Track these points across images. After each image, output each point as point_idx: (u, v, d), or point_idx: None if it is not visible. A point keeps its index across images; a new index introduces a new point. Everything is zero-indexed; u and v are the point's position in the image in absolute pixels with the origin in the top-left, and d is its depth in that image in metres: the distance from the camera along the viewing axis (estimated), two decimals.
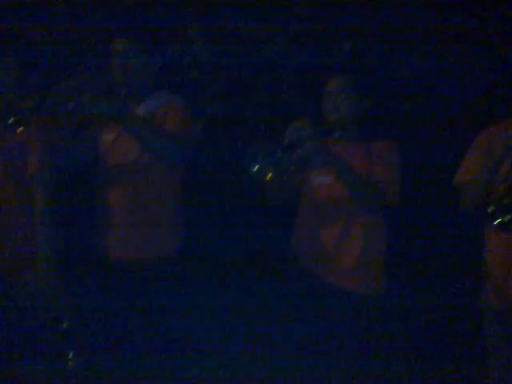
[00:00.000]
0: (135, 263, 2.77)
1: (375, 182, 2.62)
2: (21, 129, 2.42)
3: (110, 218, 2.80)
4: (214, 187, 3.53)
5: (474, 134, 2.62)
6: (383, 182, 2.63)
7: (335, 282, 2.68)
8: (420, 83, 3.58)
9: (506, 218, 2.27)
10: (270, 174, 2.52)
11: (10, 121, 2.40)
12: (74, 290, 2.88)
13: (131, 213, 2.76)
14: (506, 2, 3.48)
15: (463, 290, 3.22)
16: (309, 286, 2.72)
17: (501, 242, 2.45)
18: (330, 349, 2.65)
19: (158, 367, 2.76)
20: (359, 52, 3.58)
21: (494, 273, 2.50)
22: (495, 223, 2.29)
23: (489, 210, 2.30)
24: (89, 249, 2.91)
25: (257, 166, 2.51)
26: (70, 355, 2.68)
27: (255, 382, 3.22)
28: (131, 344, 2.75)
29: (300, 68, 3.60)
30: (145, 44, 2.77)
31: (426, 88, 3.59)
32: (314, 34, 3.59)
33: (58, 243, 2.77)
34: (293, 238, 2.81)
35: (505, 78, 3.48)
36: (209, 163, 3.56)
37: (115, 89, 2.70)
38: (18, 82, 2.75)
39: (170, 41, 3.37)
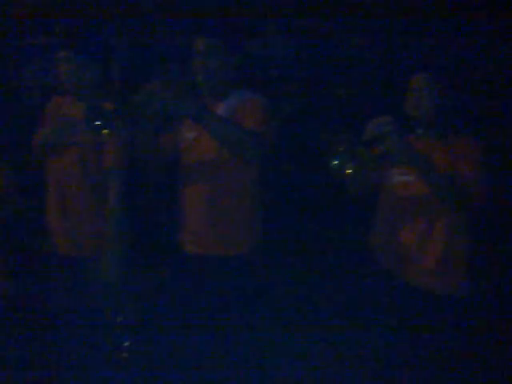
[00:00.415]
0: (213, 259, 2.79)
1: (459, 180, 2.56)
2: (106, 131, 2.49)
3: (188, 214, 2.84)
4: (292, 183, 3.54)
5: None
6: (467, 181, 2.56)
7: (415, 281, 2.63)
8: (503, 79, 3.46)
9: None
10: (349, 169, 2.50)
11: (97, 123, 2.47)
12: (147, 284, 2.97)
13: (210, 209, 2.79)
14: None
15: None
16: (386, 284, 2.68)
17: None
18: (410, 349, 2.61)
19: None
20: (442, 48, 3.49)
21: None
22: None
23: None
24: (166, 244, 2.96)
25: (336, 161, 2.50)
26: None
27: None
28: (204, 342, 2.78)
29: (382, 64, 3.56)
30: (225, 42, 2.79)
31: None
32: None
33: (133, 237, 2.86)
34: (371, 235, 2.77)
35: None
36: (288, 159, 3.57)
37: (196, 88, 2.73)
38: (104, 84, 2.86)
39: (250, 38, 3.38)
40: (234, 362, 2.78)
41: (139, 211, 2.95)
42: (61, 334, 2.90)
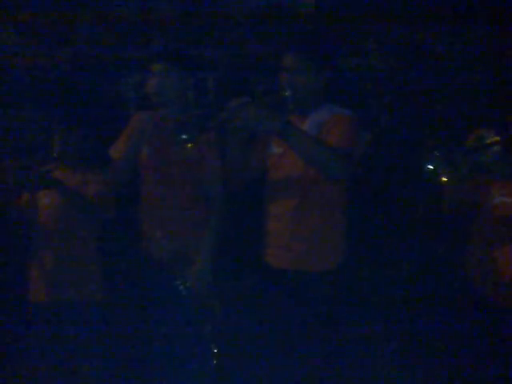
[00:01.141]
0: (298, 275, 2.78)
1: None
2: (190, 145, 2.55)
3: (274, 229, 2.85)
4: (384, 198, 3.47)
5: None
6: None
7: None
8: None
9: None
10: (445, 177, 2.42)
11: (183, 137, 2.54)
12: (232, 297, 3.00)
13: (296, 225, 2.78)
14: None
15: None
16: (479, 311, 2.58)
17: None
18: None
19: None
20: None
21: None
22: None
23: None
24: (252, 257, 2.99)
25: (432, 167, 2.43)
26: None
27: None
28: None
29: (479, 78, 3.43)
30: (314, 59, 2.77)
31: None
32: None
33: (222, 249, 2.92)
34: (466, 256, 2.66)
35: None
36: (379, 173, 3.50)
37: (283, 104, 2.73)
38: (191, 100, 2.93)
39: (338, 55, 3.34)
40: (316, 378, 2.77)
41: (227, 224, 3.00)
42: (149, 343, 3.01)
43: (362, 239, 3.24)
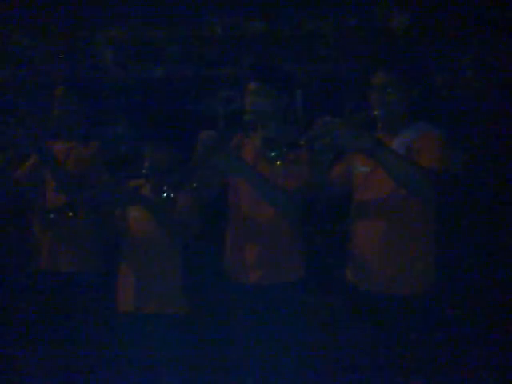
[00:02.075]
0: (386, 298, 2.72)
1: None
2: (279, 163, 2.54)
3: (360, 250, 2.79)
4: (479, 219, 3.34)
5: None
6: None
7: None
8: None
9: None
10: None
11: (272, 154, 2.54)
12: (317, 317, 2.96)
13: (384, 246, 2.72)
14: None
15: None
16: None
17: None
18: None
19: None
20: None
21: None
22: None
23: None
24: (335, 279, 2.94)
25: None
26: None
27: None
28: None
29: None
30: (404, 77, 2.71)
31: None
32: None
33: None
34: None
35: None
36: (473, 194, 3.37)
37: (372, 122, 2.69)
38: (282, 118, 2.93)
39: (430, 72, 3.26)
40: None
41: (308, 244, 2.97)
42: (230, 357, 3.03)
43: (455, 262, 3.12)
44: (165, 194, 2.70)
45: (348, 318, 2.85)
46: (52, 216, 3.14)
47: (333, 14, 3.51)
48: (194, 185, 2.75)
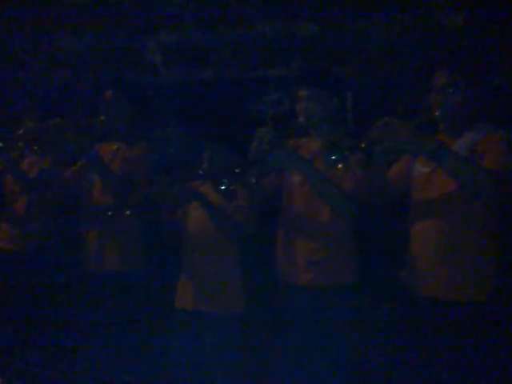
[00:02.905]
0: (443, 304, 2.65)
1: None
2: (340, 166, 2.52)
3: (419, 252, 2.75)
4: None
5: None
6: None
7: None
8: None
9: None
10: None
11: (333, 158, 2.52)
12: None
13: (444, 249, 2.65)
14: None
15: None
16: None
17: None
18: None
19: None
20: None
21: None
22: None
23: None
24: (391, 283, 2.90)
25: None
26: None
27: None
28: None
29: None
30: (466, 77, 2.67)
31: None
32: None
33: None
34: None
35: None
36: None
37: (433, 123, 2.65)
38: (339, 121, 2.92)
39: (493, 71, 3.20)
40: None
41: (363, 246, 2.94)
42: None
43: None
44: (223, 187, 2.71)
45: (403, 324, 2.79)
46: (110, 214, 3.17)
47: (385, 15, 3.48)
48: (254, 180, 2.75)
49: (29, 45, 4.32)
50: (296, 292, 2.93)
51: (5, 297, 3.75)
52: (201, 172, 3.07)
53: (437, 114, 2.63)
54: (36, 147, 3.62)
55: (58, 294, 3.71)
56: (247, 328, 3.08)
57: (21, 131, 3.58)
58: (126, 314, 3.37)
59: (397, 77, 3.48)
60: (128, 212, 3.09)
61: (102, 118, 3.43)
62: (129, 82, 3.80)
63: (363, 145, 2.46)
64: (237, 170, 2.92)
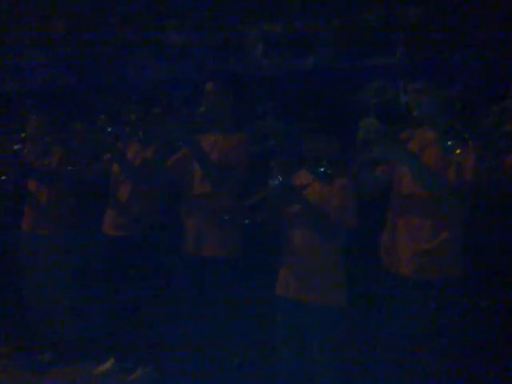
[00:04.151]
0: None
1: None
2: (459, 151, 2.43)
3: None
4: None
5: None
6: None
7: None
8: None
9: None
10: None
11: (449, 144, 2.43)
12: None
13: None
14: None
15: None
16: None
17: None
18: None
19: None
20: None
21: None
22: None
23: None
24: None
25: None
26: None
27: None
28: None
29: None
30: None
31: None
32: None
33: None
34: None
35: None
36: None
37: None
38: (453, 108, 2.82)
39: None
40: None
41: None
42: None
43: None
44: (322, 169, 2.68)
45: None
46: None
47: None
48: (360, 170, 2.71)
49: (136, 38, 4.45)
50: (400, 282, 2.88)
51: (111, 281, 3.90)
52: (301, 161, 3.04)
53: None
54: (140, 136, 3.76)
55: (161, 278, 3.79)
56: (347, 319, 3.03)
57: (126, 122, 3.76)
58: (226, 299, 3.41)
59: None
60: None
61: (202, 108, 3.48)
62: (230, 74, 3.83)
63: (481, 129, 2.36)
64: (323, 163, 2.85)
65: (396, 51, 3.49)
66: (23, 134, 4.13)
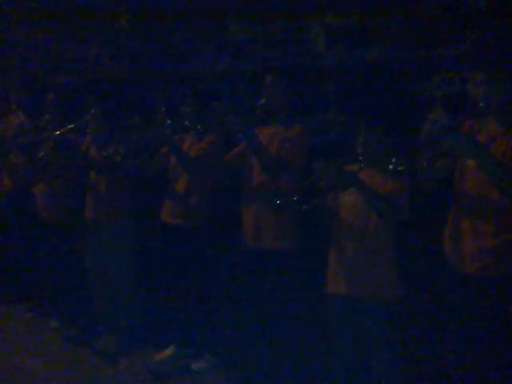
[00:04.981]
0: None
1: None
2: None
3: None
4: None
5: None
6: None
7: None
8: None
9: None
10: None
11: None
12: None
13: None
14: None
15: None
16: None
17: None
18: None
19: None
20: None
21: None
22: None
23: None
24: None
25: None
26: None
27: None
28: None
29: None
30: None
31: None
32: None
33: None
34: None
35: None
36: None
37: None
38: None
39: None
40: None
41: None
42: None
43: None
44: (391, 167, 2.68)
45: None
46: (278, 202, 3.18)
47: None
48: (425, 163, 2.64)
49: (195, 31, 4.46)
50: (463, 280, 2.81)
51: (169, 268, 3.96)
52: (360, 156, 3.00)
53: None
54: (198, 129, 3.78)
55: (218, 268, 3.82)
56: (404, 315, 3.00)
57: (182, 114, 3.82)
58: (279, 292, 3.42)
59: None
60: (295, 198, 3.09)
61: (262, 101, 3.47)
62: (290, 66, 3.82)
63: None
64: (393, 160, 2.79)
65: (463, 41, 3.36)
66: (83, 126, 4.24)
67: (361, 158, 3.02)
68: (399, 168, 2.76)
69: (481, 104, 2.76)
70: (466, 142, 2.60)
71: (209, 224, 3.86)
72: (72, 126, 4.29)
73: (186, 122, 3.83)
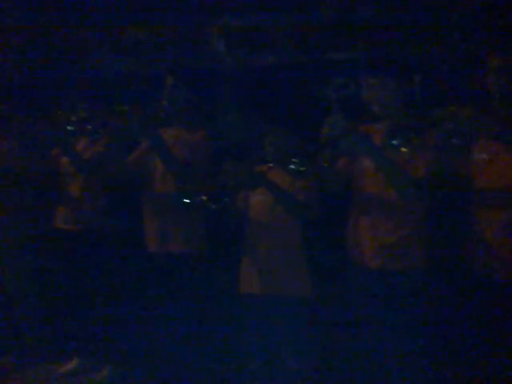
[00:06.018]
0: None
1: None
2: (404, 150, 2.47)
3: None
4: None
5: None
6: None
7: None
8: None
9: None
10: None
11: (394, 142, 2.48)
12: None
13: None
14: None
15: None
16: None
17: None
18: None
19: None
20: None
21: None
22: None
23: None
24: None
25: None
26: None
27: None
28: None
29: None
30: None
31: None
32: None
33: None
34: None
35: None
36: None
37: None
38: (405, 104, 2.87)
39: None
40: None
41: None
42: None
43: None
44: (293, 167, 2.72)
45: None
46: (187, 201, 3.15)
47: None
48: (326, 164, 2.74)
49: (95, 32, 4.37)
50: (366, 275, 2.91)
51: (65, 275, 3.82)
52: (267, 157, 3.07)
53: None
54: (89, 130, 3.66)
55: (117, 275, 3.75)
56: (316, 311, 3.07)
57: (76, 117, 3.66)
58: (188, 292, 3.40)
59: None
60: (204, 197, 3.04)
61: (163, 103, 3.44)
62: (190, 68, 3.81)
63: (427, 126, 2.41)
64: (294, 160, 2.88)
65: (355, 46, 3.52)
66: None
67: (268, 158, 3.10)
68: (301, 168, 2.85)
69: (375, 107, 2.90)
70: (362, 144, 2.72)
71: (107, 229, 3.76)
72: None
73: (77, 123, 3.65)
